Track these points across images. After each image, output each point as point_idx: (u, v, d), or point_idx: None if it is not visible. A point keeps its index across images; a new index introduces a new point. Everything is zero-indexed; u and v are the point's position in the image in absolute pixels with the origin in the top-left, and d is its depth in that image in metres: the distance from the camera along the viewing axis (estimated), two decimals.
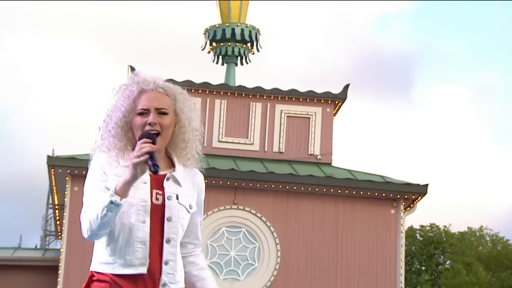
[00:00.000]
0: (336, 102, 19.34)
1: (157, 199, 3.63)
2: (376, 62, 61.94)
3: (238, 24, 20.80)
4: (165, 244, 3.61)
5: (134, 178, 3.45)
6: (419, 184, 18.19)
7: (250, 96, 19.11)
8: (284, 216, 17.89)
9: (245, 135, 18.97)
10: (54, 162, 17.49)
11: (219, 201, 17.65)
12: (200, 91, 18.75)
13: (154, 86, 3.71)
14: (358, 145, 54.50)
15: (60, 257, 17.28)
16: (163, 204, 3.63)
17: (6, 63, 61.12)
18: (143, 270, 3.56)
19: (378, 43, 63.51)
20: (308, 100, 19.21)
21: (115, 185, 3.46)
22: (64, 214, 17.52)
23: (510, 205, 51.22)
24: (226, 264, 17.68)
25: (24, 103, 61.26)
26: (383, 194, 18.06)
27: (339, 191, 17.97)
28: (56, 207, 20.02)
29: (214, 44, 21.00)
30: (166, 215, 3.62)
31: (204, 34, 21.13)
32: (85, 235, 3.55)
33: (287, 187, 17.83)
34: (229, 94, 19.08)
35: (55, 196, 19.27)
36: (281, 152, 18.95)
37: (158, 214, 3.62)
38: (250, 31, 20.87)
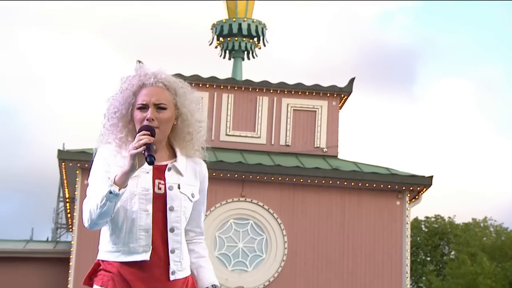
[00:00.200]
0: (342, 96, 19.31)
1: (159, 188, 3.65)
2: (379, 56, 61.88)
3: (245, 19, 20.78)
4: (169, 233, 3.64)
5: (132, 168, 3.47)
6: (424, 176, 18.16)
7: (257, 90, 19.09)
8: (291, 208, 17.89)
9: (252, 128, 18.95)
10: (64, 156, 17.51)
11: (227, 193, 17.65)
12: (207, 86, 18.74)
13: (155, 81, 3.71)
14: (363, 138, 54.45)
15: (71, 249, 17.31)
16: (165, 194, 3.66)
17: (18, 59, 61.22)
18: (146, 256, 3.59)
19: (381, 37, 63.43)
20: (314, 94, 19.19)
21: (114, 176, 3.49)
22: (75, 207, 17.55)
23: None
24: (234, 255, 17.69)
25: (35, 98, 61.41)
26: (389, 186, 18.03)
27: (345, 183, 17.95)
28: (67, 200, 20.05)
29: (221, 39, 20.98)
30: (168, 205, 3.64)
31: (211, 29, 21.11)
32: (86, 224, 3.59)
33: (294, 180, 17.82)
34: (236, 88, 19.06)
35: (66, 190, 19.30)
36: (288, 145, 18.93)
37: (160, 204, 3.65)
38: (256, 26, 20.85)
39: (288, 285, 17.54)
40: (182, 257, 3.67)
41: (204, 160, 3.85)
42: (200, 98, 3.96)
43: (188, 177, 3.73)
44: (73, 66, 61.44)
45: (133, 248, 3.60)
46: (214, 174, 16.42)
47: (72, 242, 17.39)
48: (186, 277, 3.69)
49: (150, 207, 3.60)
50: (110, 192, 3.45)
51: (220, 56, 21.14)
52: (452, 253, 37.65)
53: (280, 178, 17.78)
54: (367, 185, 17.99)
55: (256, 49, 21.10)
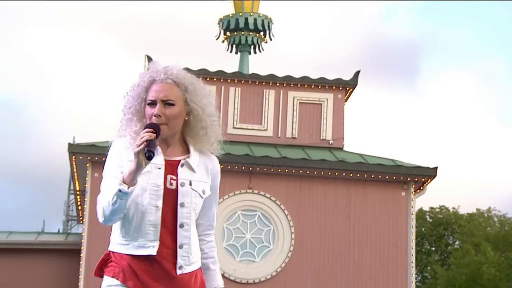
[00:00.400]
0: (347, 88, 19.28)
1: (171, 184, 3.66)
2: (382, 50, 61.75)
3: (251, 13, 20.75)
4: (178, 228, 3.64)
5: (138, 166, 3.48)
6: (428, 167, 18.14)
7: (264, 83, 19.08)
8: (298, 200, 17.89)
9: (259, 121, 18.95)
10: (75, 150, 17.53)
11: (235, 185, 17.65)
12: (215, 79, 18.74)
13: (164, 77, 3.72)
14: (368, 130, 54.39)
15: (82, 240, 17.35)
16: (176, 190, 3.66)
17: (26, 55, 61.26)
18: (153, 251, 3.59)
19: (385, 31, 63.30)
20: (319, 87, 19.16)
21: (123, 174, 3.50)
22: (85, 199, 17.58)
23: None
24: (242, 246, 17.71)
25: (44, 94, 61.45)
26: (394, 177, 18.01)
27: (351, 175, 17.94)
28: (78, 193, 20.09)
29: (228, 33, 20.97)
30: (179, 201, 3.64)
31: (218, 24, 21.09)
32: (100, 220, 3.61)
33: (300, 172, 17.81)
34: (243, 82, 19.06)
35: (76, 182, 19.33)
36: (294, 138, 18.92)
37: (171, 199, 3.65)
38: (262, 21, 20.83)
39: (295, 275, 17.56)
40: (191, 252, 3.67)
41: (220, 156, 3.87)
42: (212, 95, 3.94)
43: (200, 173, 3.74)
44: (80, 62, 61.49)
45: (141, 242, 3.61)
46: (222, 166, 16.32)
47: (83, 234, 17.44)
48: (194, 270, 3.69)
49: (160, 203, 3.61)
50: (120, 191, 3.47)
51: (227, 50, 21.13)
52: (457, 243, 37.60)
53: (286, 170, 17.78)
54: (372, 176, 17.97)
55: (263, 43, 21.08)
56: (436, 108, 59.36)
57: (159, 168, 3.63)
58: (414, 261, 17.87)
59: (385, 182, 18.07)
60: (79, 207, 20.81)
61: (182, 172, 3.68)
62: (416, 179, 18.08)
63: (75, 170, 18.39)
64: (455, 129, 58.06)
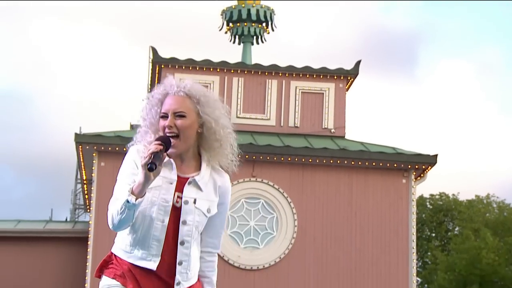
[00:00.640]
0: (348, 78, 19.25)
1: (177, 201, 3.64)
2: (383, 40, 61.62)
3: (254, 5, 20.71)
4: (179, 245, 3.62)
5: (146, 179, 3.46)
6: (429, 155, 18.12)
7: (266, 73, 19.05)
8: (300, 187, 17.88)
9: (262, 111, 18.93)
10: (81, 139, 17.53)
11: (238, 174, 17.58)
12: (218, 70, 18.70)
13: (177, 90, 3.69)
14: (369, 119, 54.34)
15: (89, 229, 17.37)
16: (180, 207, 3.64)
17: (32, 47, 61.21)
18: (153, 266, 3.59)
19: (385, 22, 63.14)
20: (321, 77, 19.13)
21: (133, 185, 3.49)
22: (92, 188, 17.59)
23: None
24: (246, 233, 17.72)
25: (50, 85, 61.41)
26: (395, 165, 17.99)
27: (353, 163, 17.93)
28: (84, 182, 20.10)
29: (230, 24, 20.93)
30: (181, 219, 3.62)
31: (221, 15, 21.05)
32: (110, 226, 3.59)
33: (303, 160, 17.80)
34: (246, 72, 19.03)
35: (83, 172, 19.34)
36: (297, 127, 18.90)
37: (176, 216, 3.63)
38: (265, 12, 20.78)
39: (298, 262, 17.57)
40: (190, 269, 3.66)
41: (234, 169, 3.82)
42: (227, 107, 3.87)
43: (208, 191, 3.70)
44: (86, 53, 61.42)
45: (144, 255, 3.61)
46: None
47: (90, 222, 17.46)
48: (192, 285, 3.69)
49: (167, 219, 3.59)
50: (128, 201, 3.45)
51: (230, 41, 21.09)
52: (456, 229, 37.61)
53: (289, 159, 17.77)
54: (373, 164, 17.96)
55: (265, 34, 21.05)
56: (436, 97, 59.32)
57: (171, 183, 3.61)
58: (415, 247, 17.87)
59: (386, 169, 18.05)
60: (86, 196, 20.83)
61: (188, 190, 3.64)
62: (416, 167, 18.06)
63: (81, 160, 18.39)
64: (454, 117, 58.01)
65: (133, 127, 19.80)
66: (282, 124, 18.89)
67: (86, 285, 17.12)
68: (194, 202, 3.64)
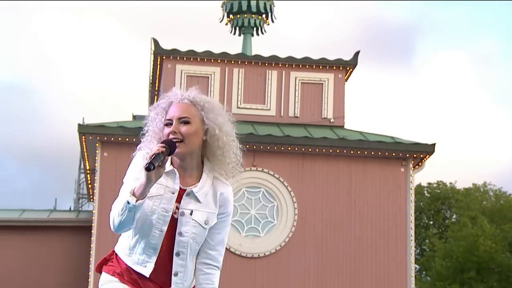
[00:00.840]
0: (347, 68, 19.22)
1: (175, 212, 3.61)
2: (380, 31, 61.50)
3: None
4: (174, 256, 3.60)
5: (149, 181, 3.43)
6: (427, 144, 18.10)
7: (266, 64, 19.01)
8: (300, 177, 17.87)
9: (262, 101, 18.90)
10: (84, 130, 17.52)
11: None
12: (219, 61, 18.67)
13: (182, 98, 3.66)
14: (368, 109, 54.31)
15: (93, 218, 17.38)
16: (177, 218, 3.62)
17: (35, 40, 61.11)
18: (147, 272, 3.58)
19: (382, 13, 62.97)
20: (321, 67, 19.10)
21: (135, 187, 3.46)
22: (95, 178, 17.58)
23: (511, 162, 51.01)
24: (247, 222, 17.72)
25: (53, 77, 61.32)
26: (393, 154, 17.98)
27: (352, 152, 17.91)
28: (88, 172, 20.10)
29: (231, 16, 20.88)
30: (178, 230, 3.59)
31: (222, 7, 21.01)
32: (111, 228, 3.56)
33: (303, 149, 17.79)
34: (246, 63, 18.99)
35: (86, 162, 19.34)
36: (296, 117, 18.89)
37: (173, 227, 3.61)
38: (265, 3, 20.73)
39: (298, 249, 17.58)
40: (185, 279, 3.63)
41: (238, 176, 3.79)
42: (231, 116, 3.80)
43: (207, 202, 3.65)
44: (88, 45, 61.34)
45: (140, 260, 3.60)
46: None
47: (94, 211, 17.46)
48: None
49: (165, 228, 3.57)
50: (128, 203, 3.42)
51: (230, 32, 21.05)
52: (454, 216, 37.63)
53: (289, 148, 17.76)
54: (372, 153, 17.95)
55: (265, 25, 21.00)
56: (433, 87, 59.30)
57: (173, 193, 3.59)
58: (413, 235, 17.88)
59: (384, 158, 18.04)
60: (90, 186, 20.83)
61: (185, 201, 3.61)
62: (414, 155, 18.05)
63: (85, 150, 18.38)
64: (451, 107, 57.99)
65: (136, 118, 19.78)
66: (282, 114, 18.86)
67: (90, 273, 17.15)
68: (191, 214, 3.60)
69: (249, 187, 17.81)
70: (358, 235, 17.72)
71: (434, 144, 18.05)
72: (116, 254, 3.69)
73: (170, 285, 3.61)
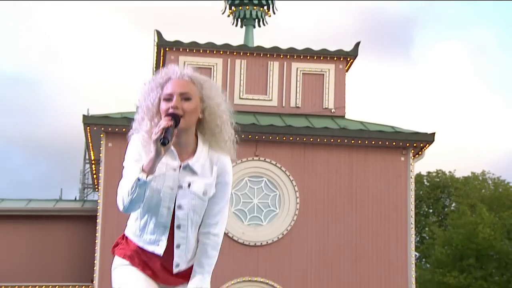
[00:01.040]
0: (348, 59, 19.18)
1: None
2: (379, 22, 61.35)
3: None
4: (175, 229, 3.59)
5: (157, 154, 3.40)
6: (426, 133, 18.07)
7: (268, 55, 18.98)
8: (302, 166, 17.86)
9: (264, 92, 18.87)
10: (89, 121, 17.51)
11: (242, 153, 17.57)
12: (221, 52, 18.63)
13: (181, 75, 3.62)
14: (368, 99, 54.25)
15: (98, 207, 17.39)
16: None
17: (40, 31, 61.06)
18: (160, 251, 3.59)
19: (381, 4, 62.80)
20: (322, 58, 19.06)
21: (143, 163, 3.43)
22: (100, 168, 17.59)
23: (509, 151, 50.98)
24: (249, 211, 17.72)
25: (57, 69, 61.24)
26: (394, 143, 17.96)
27: (353, 142, 17.89)
28: (93, 162, 20.10)
29: (233, 8, 20.83)
30: (177, 203, 3.58)
31: None
32: (120, 209, 3.54)
33: (304, 139, 17.77)
34: (248, 54, 18.95)
35: (91, 152, 19.33)
36: (298, 107, 18.85)
37: (174, 201, 3.60)
38: None
39: (300, 238, 17.58)
40: (188, 251, 3.62)
41: (233, 154, 3.77)
42: (225, 92, 3.79)
43: (204, 174, 3.63)
44: (92, 37, 61.27)
45: (151, 240, 3.60)
46: None
47: (99, 201, 17.47)
48: (191, 266, 3.66)
49: (172, 205, 3.56)
50: (139, 179, 3.40)
51: (233, 24, 21.00)
52: (453, 205, 37.59)
53: (291, 138, 17.73)
54: (373, 142, 17.92)
55: (266, 17, 20.95)
56: (431, 78, 59.21)
57: (174, 170, 3.56)
58: (413, 223, 17.88)
59: (385, 148, 18.02)
60: (95, 176, 20.83)
61: (182, 174, 3.58)
62: (414, 145, 18.02)
63: (89, 141, 18.38)
64: (449, 97, 57.94)
65: None
66: (283, 105, 18.83)
67: (95, 261, 17.16)
68: (189, 186, 3.58)
69: (251, 176, 17.80)
70: (359, 223, 17.72)
71: (433, 133, 18.02)
72: (127, 237, 3.69)
73: (173, 259, 3.61)
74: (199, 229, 3.67)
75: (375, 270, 17.61)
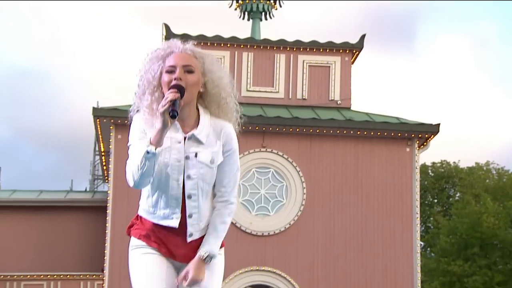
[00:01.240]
0: (354, 51, 19.13)
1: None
2: (383, 15, 61.16)
3: None
4: (186, 199, 3.59)
5: (164, 125, 3.40)
6: (431, 124, 18.03)
7: (275, 48, 18.95)
8: (309, 157, 17.85)
9: (270, 84, 18.85)
10: (99, 113, 17.53)
11: (249, 145, 17.63)
12: (228, 45, 18.60)
13: (184, 48, 3.61)
14: (374, 91, 54.18)
15: (108, 198, 17.43)
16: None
17: (50, 26, 61.09)
18: (175, 223, 3.59)
19: None
20: (327, 50, 19.01)
21: (150, 136, 3.42)
22: (110, 159, 17.61)
23: None
24: (257, 201, 17.73)
25: (68, 62, 61.26)
26: (399, 134, 17.93)
27: (358, 133, 17.87)
28: (102, 153, 20.13)
29: (240, 1, 20.79)
30: (186, 174, 3.57)
31: None
32: (131, 184, 3.54)
33: (311, 131, 17.75)
34: (255, 47, 18.93)
35: (101, 144, 19.36)
36: (304, 99, 18.83)
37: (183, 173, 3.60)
38: None
39: (307, 228, 17.59)
40: (200, 220, 3.62)
41: (239, 124, 3.76)
42: (226, 67, 3.82)
43: (209, 142, 3.61)
44: (102, 31, 61.28)
45: (165, 214, 3.59)
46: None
47: (109, 192, 17.50)
48: (204, 235, 3.65)
49: (181, 177, 3.56)
50: (148, 152, 3.39)
51: (240, 17, 20.97)
52: (458, 195, 37.55)
53: (297, 129, 17.72)
54: (378, 134, 17.90)
55: (273, 10, 20.90)
56: (434, 69, 59.08)
57: (179, 143, 3.56)
58: (418, 213, 17.87)
59: (390, 139, 17.99)
60: (104, 167, 20.87)
61: (188, 145, 3.58)
62: (419, 136, 17.99)
63: (99, 133, 18.40)
64: (452, 88, 57.82)
65: None
66: (290, 97, 18.81)
67: (105, 251, 17.20)
68: (196, 156, 3.57)
69: (258, 167, 17.80)
70: (365, 213, 17.71)
71: (438, 124, 17.98)
72: (141, 217, 3.68)
73: (186, 229, 3.61)
74: (214, 197, 3.67)
75: (380, 259, 17.61)
